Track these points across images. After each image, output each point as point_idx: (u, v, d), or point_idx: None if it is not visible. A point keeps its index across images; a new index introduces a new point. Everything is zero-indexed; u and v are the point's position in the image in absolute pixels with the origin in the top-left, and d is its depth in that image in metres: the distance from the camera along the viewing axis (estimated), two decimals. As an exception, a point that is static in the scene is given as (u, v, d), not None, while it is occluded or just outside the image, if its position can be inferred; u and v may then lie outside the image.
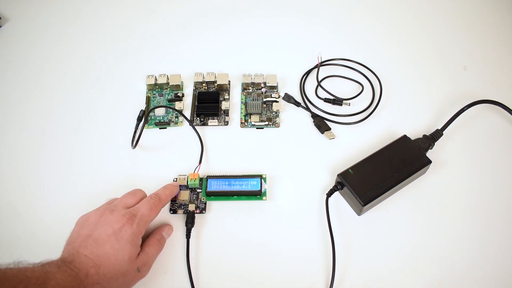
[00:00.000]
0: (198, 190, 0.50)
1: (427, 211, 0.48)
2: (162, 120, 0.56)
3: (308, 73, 0.60)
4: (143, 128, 0.52)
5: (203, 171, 0.51)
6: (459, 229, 0.47)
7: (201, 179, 0.50)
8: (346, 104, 0.56)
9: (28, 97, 0.59)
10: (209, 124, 0.55)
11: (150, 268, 0.43)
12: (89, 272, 0.37)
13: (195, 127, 0.55)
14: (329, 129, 0.54)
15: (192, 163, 0.52)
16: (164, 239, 0.46)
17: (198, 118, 0.56)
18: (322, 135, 0.54)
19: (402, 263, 0.45)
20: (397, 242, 0.46)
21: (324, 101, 0.57)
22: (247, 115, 0.56)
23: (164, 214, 0.48)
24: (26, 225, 0.48)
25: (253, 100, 0.57)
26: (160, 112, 0.56)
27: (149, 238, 0.44)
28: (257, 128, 0.55)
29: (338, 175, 0.47)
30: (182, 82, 0.59)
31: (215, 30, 0.65)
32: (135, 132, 0.54)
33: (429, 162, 0.48)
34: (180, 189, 0.50)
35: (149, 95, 0.58)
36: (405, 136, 0.50)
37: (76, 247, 0.39)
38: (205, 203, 0.49)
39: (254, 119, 0.55)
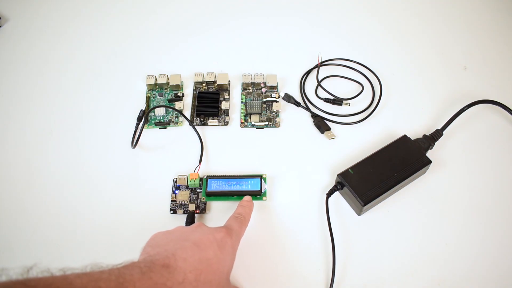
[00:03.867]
0: (198, 190, 0.50)
1: (427, 211, 0.48)
2: (162, 120, 0.56)
3: (308, 73, 0.60)
4: (143, 128, 0.52)
5: (203, 171, 0.51)
6: (459, 229, 0.47)
7: (201, 179, 0.50)
8: (346, 104, 0.56)
9: (28, 97, 0.59)
10: (209, 124, 0.55)
11: None
12: (186, 278, 0.33)
13: (195, 127, 0.55)
14: (329, 129, 0.54)
15: (192, 163, 0.52)
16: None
17: (198, 118, 0.56)
18: (322, 135, 0.54)
19: (402, 263, 0.45)
20: (397, 242, 0.46)
21: (324, 101, 0.57)
22: (247, 115, 0.56)
23: (164, 214, 0.48)
24: (26, 223, 0.48)
25: (253, 100, 0.57)
26: (160, 112, 0.56)
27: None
28: (257, 128, 0.55)
29: (338, 175, 0.47)
30: (182, 82, 0.59)
31: (215, 30, 0.65)
32: (135, 132, 0.54)
33: (429, 162, 0.48)
34: (180, 189, 0.50)
35: (149, 95, 0.58)
36: (405, 136, 0.50)
37: (170, 250, 0.34)
38: (205, 203, 0.49)
39: (254, 119, 0.55)
